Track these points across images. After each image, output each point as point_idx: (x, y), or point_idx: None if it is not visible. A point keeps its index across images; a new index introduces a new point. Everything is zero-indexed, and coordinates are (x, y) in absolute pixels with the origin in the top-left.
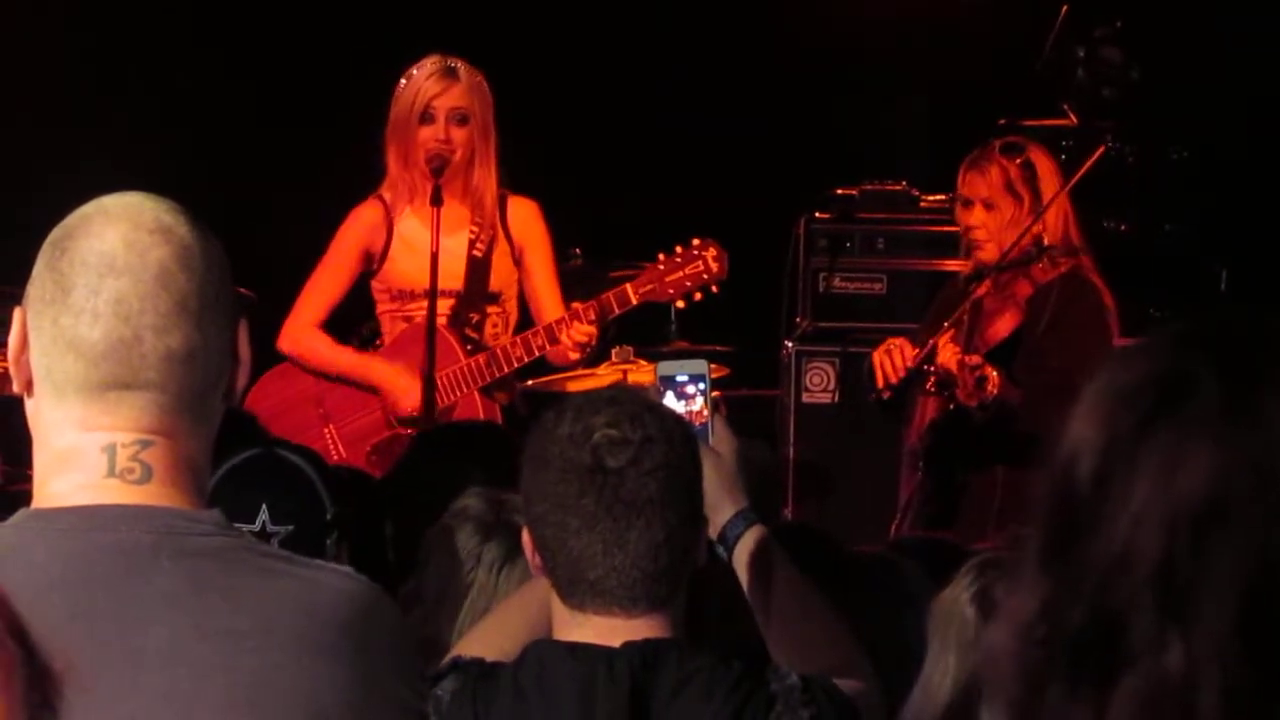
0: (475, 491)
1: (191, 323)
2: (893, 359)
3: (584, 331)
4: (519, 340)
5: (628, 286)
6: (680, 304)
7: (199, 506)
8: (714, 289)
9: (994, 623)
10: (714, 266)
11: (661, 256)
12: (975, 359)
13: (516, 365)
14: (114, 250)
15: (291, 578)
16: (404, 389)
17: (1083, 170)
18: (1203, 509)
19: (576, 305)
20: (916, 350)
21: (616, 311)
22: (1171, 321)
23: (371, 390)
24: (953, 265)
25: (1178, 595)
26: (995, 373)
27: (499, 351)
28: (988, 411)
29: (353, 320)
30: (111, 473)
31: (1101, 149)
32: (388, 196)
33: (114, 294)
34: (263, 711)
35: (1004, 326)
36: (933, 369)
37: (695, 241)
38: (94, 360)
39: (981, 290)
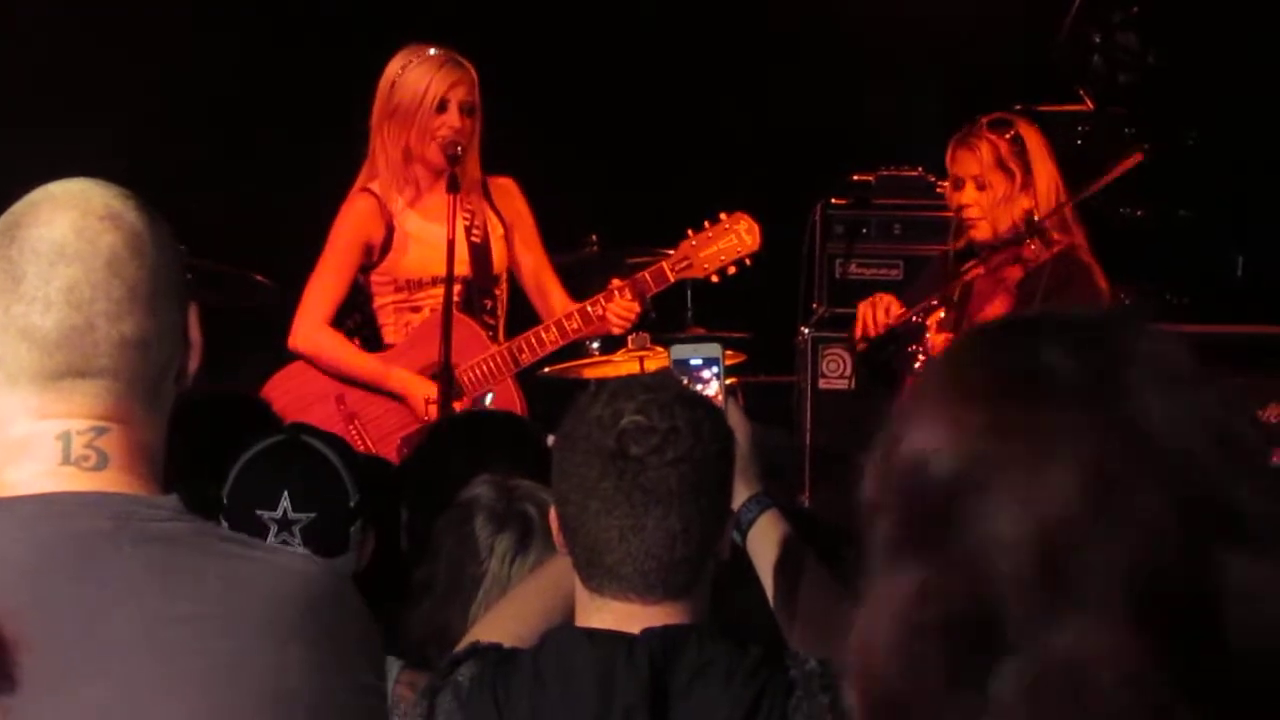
0: (484, 479)
1: (144, 309)
2: (875, 313)
3: (628, 307)
4: (552, 324)
5: (663, 264)
6: (715, 279)
7: (156, 492)
8: (748, 262)
9: (864, 611)
10: (747, 240)
11: (691, 233)
12: None
13: (550, 349)
14: (64, 238)
15: (253, 562)
16: (426, 396)
17: (1114, 174)
18: (1082, 496)
19: (614, 283)
20: (903, 310)
21: (653, 289)
22: (1001, 320)
23: (392, 396)
24: None
25: (1065, 580)
26: None
27: (532, 336)
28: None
29: (338, 313)
30: (67, 460)
31: (1138, 157)
32: (377, 188)
33: (66, 282)
34: (228, 696)
35: (994, 311)
36: (921, 349)
37: (724, 216)
38: (47, 349)
39: (972, 273)
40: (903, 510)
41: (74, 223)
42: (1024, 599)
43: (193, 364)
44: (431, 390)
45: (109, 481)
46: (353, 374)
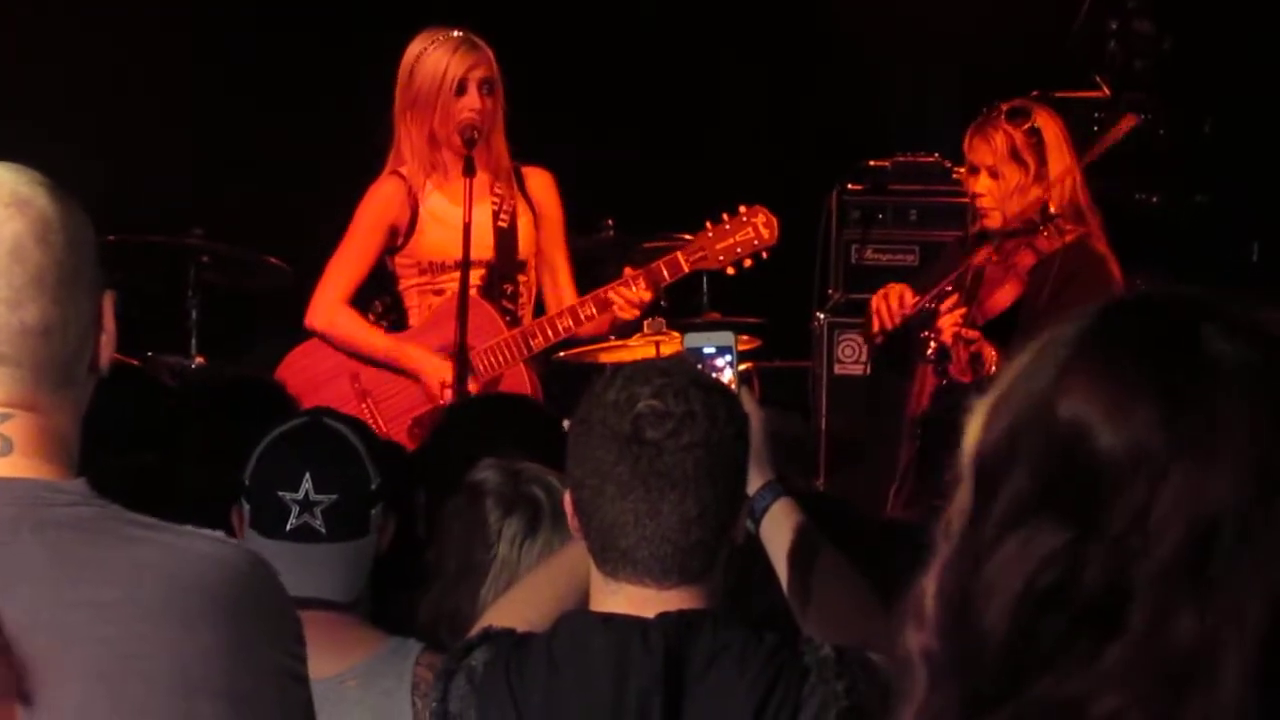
0: (490, 463)
1: (48, 297)
2: (889, 304)
3: (641, 296)
4: (566, 311)
5: (679, 255)
6: (730, 271)
7: (66, 477)
8: (764, 255)
9: (963, 560)
10: (764, 232)
11: (709, 224)
12: (973, 334)
13: (563, 335)
14: None
15: (157, 545)
16: (440, 375)
17: (1108, 141)
18: (1245, 496)
19: (628, 272)
20: (916, 298)
21: (668, 279)
22: (1153, 286)
23: (407, 375)
24: None
25: (1211, 573)
26: (993, 351)
27: (545, 322)
28: (985, 391)
29: (366, 295)
30: None
31: (1130, 121)
32: (405, 171)
33: None
34: (126, 681)
35: (1004, 298)
36: (932, 335)
37: (742, 209)
38: None
39: (982, 258)
40: (1050, 472)
41: None
42: (1165, 586)
43: (105, 350)
44: (446, 371)
45: (13, 467)
46: (368, 352)
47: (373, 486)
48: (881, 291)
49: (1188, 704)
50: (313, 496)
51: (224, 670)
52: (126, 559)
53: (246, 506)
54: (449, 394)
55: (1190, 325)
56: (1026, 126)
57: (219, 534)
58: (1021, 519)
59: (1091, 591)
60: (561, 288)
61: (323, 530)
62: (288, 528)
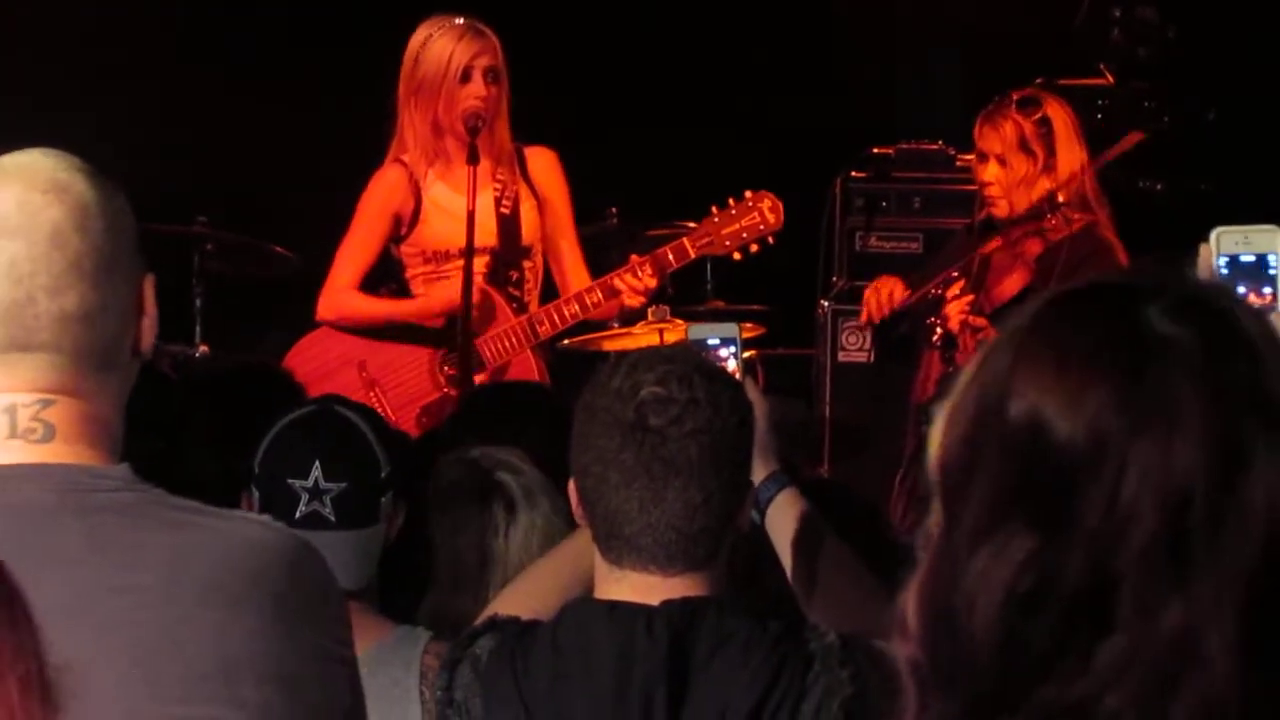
0: (455, 459)
1: (87, 283)
2: (879, 297)
3: (647, 282)
4: (573, 298)
5: (685, 241)
6: (737, 256)
7: (108, 462)
8: (770, 240)
9: (941, 575)
10: (770, 218)
11: (715, 210)
12: (980, 321)
13: (571, 322)
14: (6, 213)
15: (199, 529)
16: (445, 298)
17: (1112, 155)
18: (1209, 470)
19: (634, 259)
20: (907, 292)
21: (674, 266)
22: (1103, 277)
23: (416, 341)
24: None
25: (1183, 558)
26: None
27: (552, 308)
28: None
29: (373, 284)
30: (13, 434)
31: (1136, 136)
32: (407, 159)
33: (6, 257)
34: (164, 665)
35: (1012, 286)
36: (939, 321)
37: (748, 194)
38: None
39: (991, 246)
40: (1013, 474)
41: (16, 197)
42: (1146, 573)
43: (148, 334)
44: (449, 295)
45: (55, 453)
46: (379, 316)
47: (383, 475)
48: (874, 284)
49: (1183, 689)
50: (322, 484)
51: (268, 654)
52: (169, 543)
53: (255, 494)
54: (449, 372)
55: (1132, 308)
56: (1037, 116)
57: (264, 517)
58: (992, 526)
59: (1077, 589)
60: (568, 271)
61: (332, 518)
62: (297, 515)
